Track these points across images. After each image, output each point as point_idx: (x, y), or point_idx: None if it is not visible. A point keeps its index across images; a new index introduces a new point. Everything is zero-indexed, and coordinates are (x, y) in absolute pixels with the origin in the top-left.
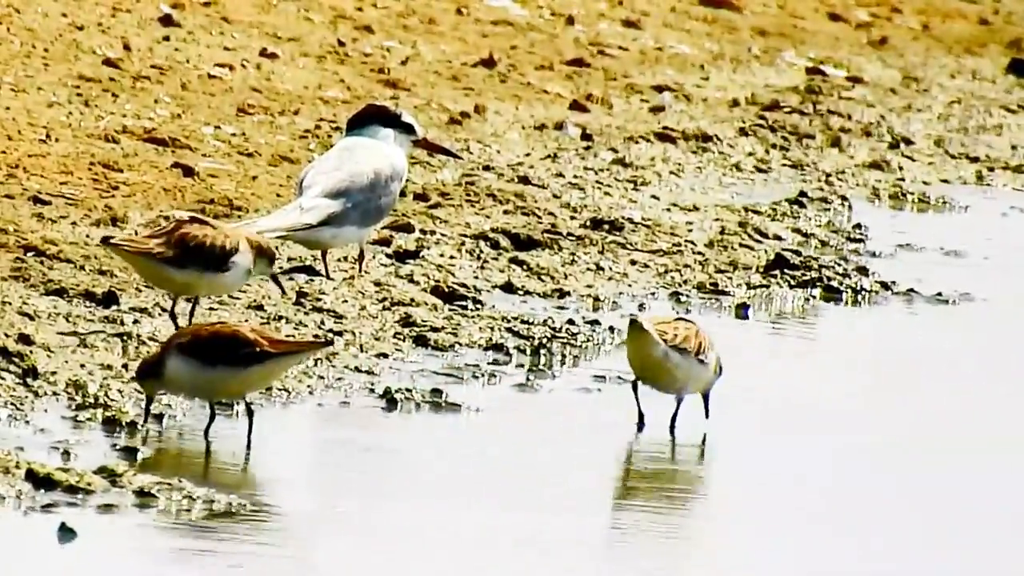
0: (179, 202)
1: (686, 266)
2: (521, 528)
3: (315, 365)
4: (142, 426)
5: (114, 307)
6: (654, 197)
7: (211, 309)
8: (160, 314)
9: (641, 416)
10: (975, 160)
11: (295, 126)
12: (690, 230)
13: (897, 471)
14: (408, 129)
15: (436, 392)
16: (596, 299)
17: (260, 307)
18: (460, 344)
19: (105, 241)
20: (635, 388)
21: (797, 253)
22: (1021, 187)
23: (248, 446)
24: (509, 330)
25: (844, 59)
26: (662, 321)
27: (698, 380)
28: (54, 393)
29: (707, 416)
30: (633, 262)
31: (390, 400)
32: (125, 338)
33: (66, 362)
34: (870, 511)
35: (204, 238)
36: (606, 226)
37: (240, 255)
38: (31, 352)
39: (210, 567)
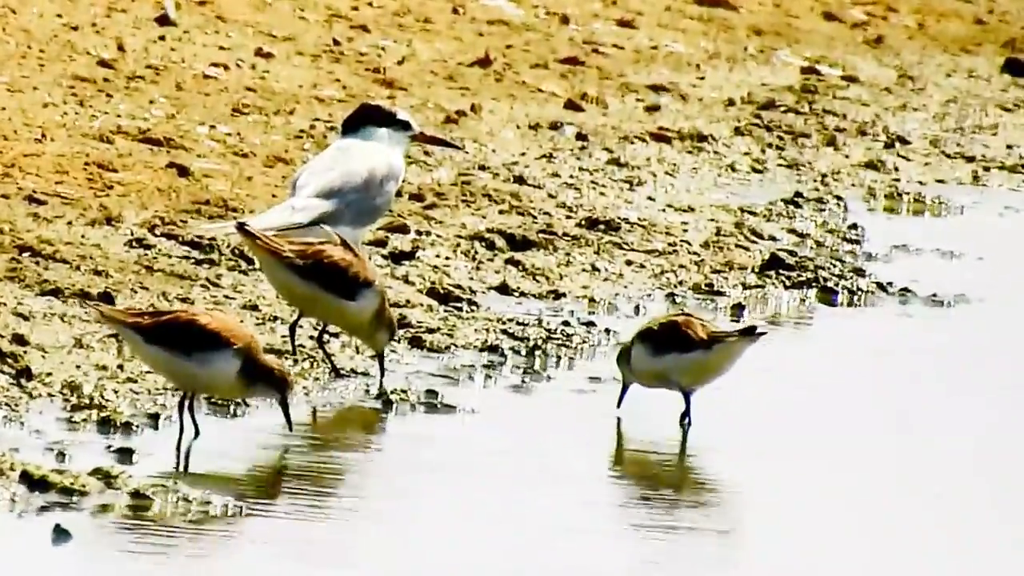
0: (174, 202)
1: (682, 267)
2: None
3: (311, 367)
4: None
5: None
6: (650, 197)
7: (206, 309)
8: None
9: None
10: (971, 160)
11: (290, 126)
12: (685, 230)
13: (891, 472)
14: (405, 126)
15: (431, 393)
16: (592, 300)
17: (255, 307)
18: (455, 346)
19: (240, 227)
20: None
21: (793, 253)
22: (1017, 187)
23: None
24: (504, 331)
25: (840, 58)
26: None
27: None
28: (49, 394)
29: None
30: (629, 263)
31: (386, 402)
32: (121, 339)
33: (61, 363)
34: (862, 510)
35: (340, 260)
36: (602, 226)
37: (371, 292)
38: (26, 353)
39: (205, 569)
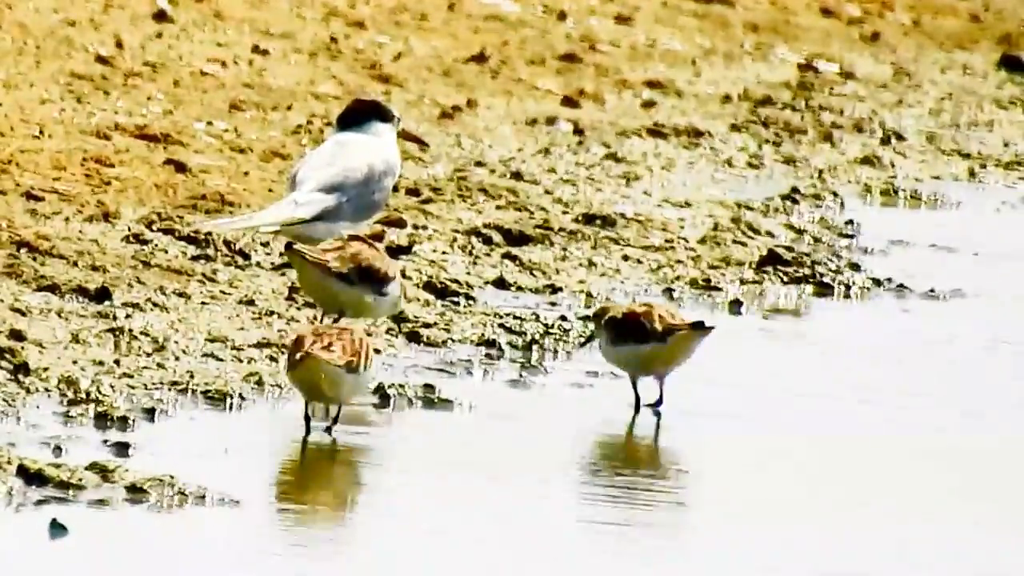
0: (171, 198)
1: (678, 262)
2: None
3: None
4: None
5: (107, 303)
6: (646, 193)
7: (203, 304)
8: (152, 309)
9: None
10: (967, 156)
11: (287, 122)
12: (682, 226)
13: (887, 466)
14: (395, 121)
15: (429, 388)
16: (588, 295)
17: (251, 302)
18: (452, 340)
19: (288, 248)
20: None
21: (789, 249)
22: (1013, 183)
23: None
24: (502, 326)
25: (836, 54)
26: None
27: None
28: (46, 389)
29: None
30: (625, 258)
31: (383, 396)
32: (117, 334)
33: (58, 358)
34: (856, 506)
35: (373, 259)
36: (598, 222)
37: (396, 282)
38: (23, 348)
39: (202, 563)
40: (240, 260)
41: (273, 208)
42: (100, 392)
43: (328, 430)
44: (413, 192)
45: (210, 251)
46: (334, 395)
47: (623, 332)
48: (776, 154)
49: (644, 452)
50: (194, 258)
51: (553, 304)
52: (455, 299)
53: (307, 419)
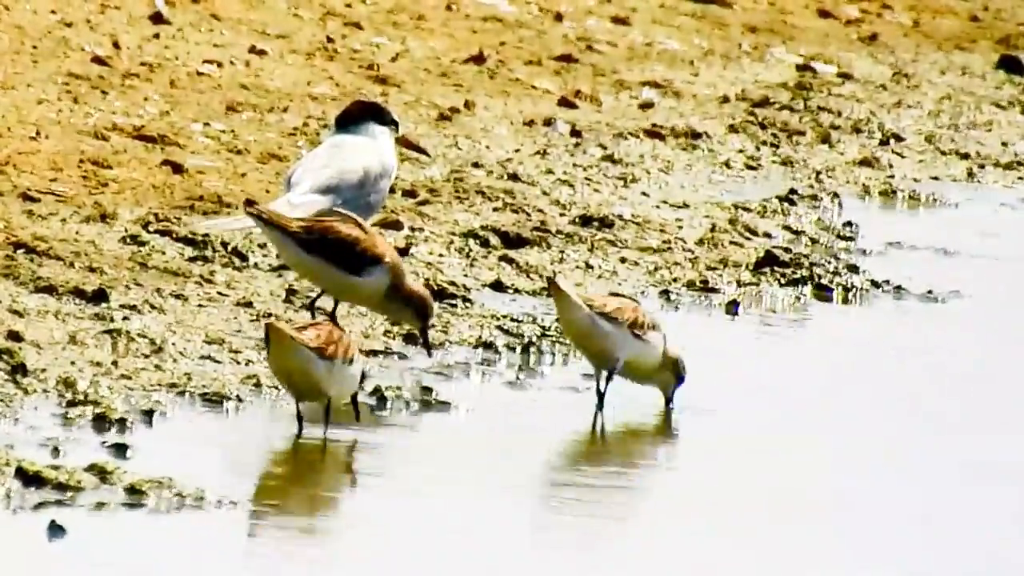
0: (168, 199)
1: (676, 263)
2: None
3: None
4: None
5: (104, 304)
6: (644, 194)
7: (200, 305)
8: (149, 310)
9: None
10: (965, 157)
11: (284, 123)
12: (680, 227)
13: (884, 469)
14: (395, 125)
15: (426, 390)
16: None
17: (249, 304)
18: (450, 342)
19: (248, 204)
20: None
21: (787, 250)
22: (1011, 184)
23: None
24: (499, 328)
25: (834, 55)
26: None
27: (636, 354)
28: (44, 390)
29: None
30: (623, 260)
31: (380, 398)
32: (115, 335)
33: (56, 359)
34: (853, 508)
35: (346, 235)
36: (595, 223)
37: (380, 268)
38: (20, 349)
39: (200, 564)
40: (237, 261)
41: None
42: (98, 394)
43: (323, 433)
44: (410, 194)
45: (207, 252)
46: (310, 385)
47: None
48: (774, 155)
49: (641, 452)
50: (191, 259)
51: (550, 307)
52: (452, 301)
53: (299, 418)
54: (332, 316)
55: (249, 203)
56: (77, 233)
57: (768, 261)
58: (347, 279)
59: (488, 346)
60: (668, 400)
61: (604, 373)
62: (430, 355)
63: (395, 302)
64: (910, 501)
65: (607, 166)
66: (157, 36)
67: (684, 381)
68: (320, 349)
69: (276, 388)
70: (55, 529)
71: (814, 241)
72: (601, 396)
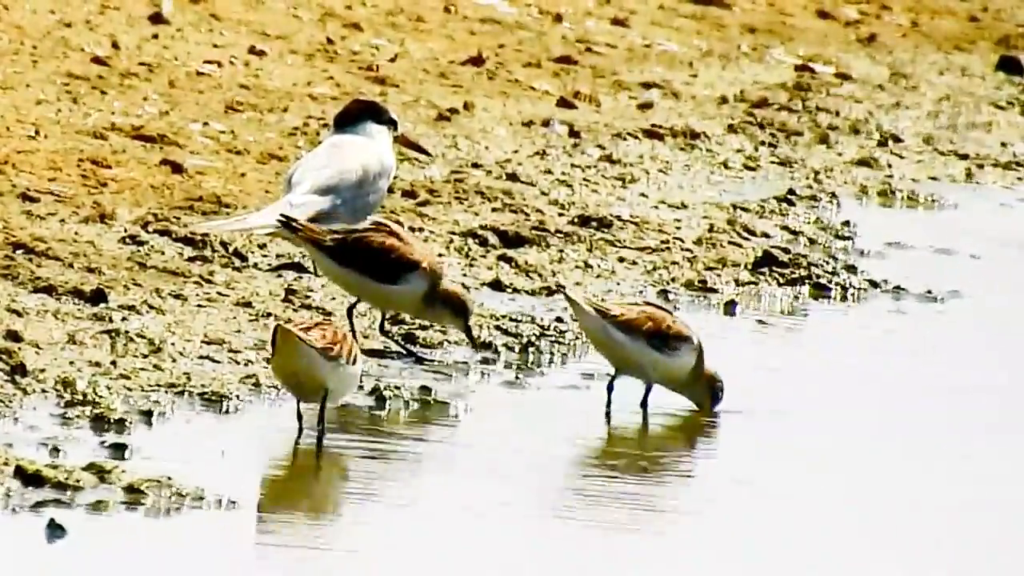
0: (167, 199)
1: (674, 263)
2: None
3: None
4: None
5: (103, 304)
6: (642, 194)
7: (199, 306)
8: (148, 311)
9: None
10: (964, 157)
11: (284, 123)
12: (678, 227)
13: (883, 470)
14: (393, 124)
15: (425, 390)
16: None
17: (248, 304)
18: (448, 342)
19: (282, 220)
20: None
21: (786, 251)
22: (1010, 184)
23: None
24: (498, 328)
25: (833, 56)
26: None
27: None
28: (43, 390)
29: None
30: (621, 259)
31: (379, 398)
32: (114, 335)
33: (55, 359)
34: (853, 508)
35: (379, 244)
36: (594, 223)
37: (416, 275)
38: (19, 349)
39: (199, 564)
40: (237, 262)
41: (267, 210)
42: (97, 393)
43: (319, 433)
44: (409, 194)
45: (207, 252)
46: (314, 384)
47: None
48: (772, 156)
49: (639, 453)
50: (191, 259)
51: (549, 307)
52: None
53: (299, 418)
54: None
55: (283, 216)
56: (76, 233)
57: (766, 261)
58: (382, 288)
59: (487, 346)
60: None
61: (644, 385)
62: (476, 351)
63: (434, 306)
64: (910, 501)
65: (606, 166)
66: (156, 36)
67: (720, 400)
68: (326, 349)
69: (275, 388)
70: (54, 528)
71: (812, 241)
72: (643, 406)
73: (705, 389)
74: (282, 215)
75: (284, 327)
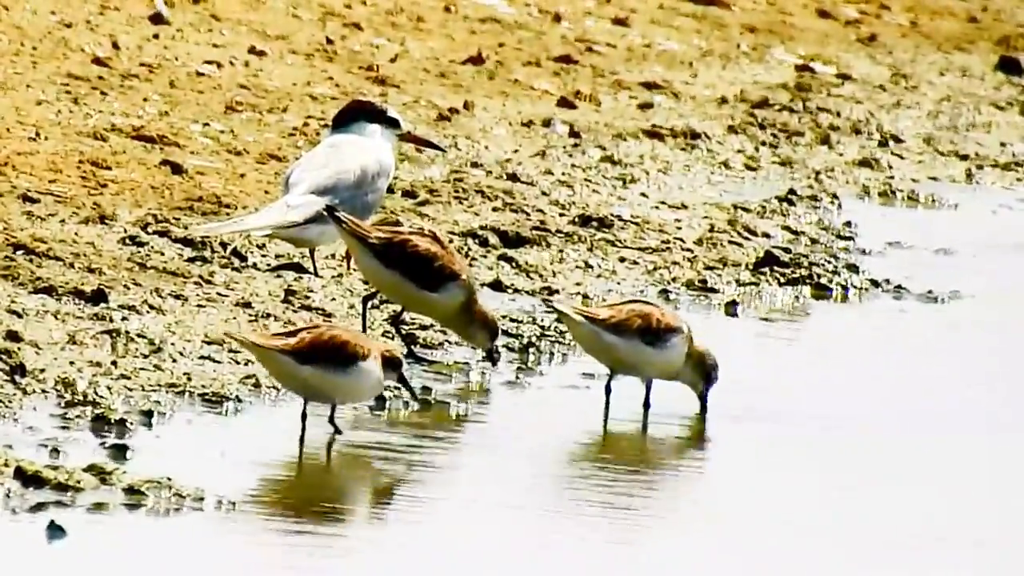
0: (167, 199)
1: (675, 263)
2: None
3: None
4: None
5: (103, 304)
6: (643, 194)
7: (199, 306)
8: (148, 311)
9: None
10: (964, 158)
11: (283, 123)
12: (679, 227)
13: (883, 470)
14: (393, 124)
15: (425, 390)
16: (585, 297)
17: (248, 304)
18: (449, 342)
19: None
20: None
21: (787, 251)
22: (1010, 185)
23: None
24: None
25: (833, 56)
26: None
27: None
28: (43, 391)
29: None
30: (622, 259)
31: (379, 398)
32: (114, 336)
33: (55, 359)
34: (851, 509)
35: (424, 251)
36: (595, 223)
37: (455, 285)
38: (19, 349)
39: (199, 564)
40: (236, 262)
41: (265, 211)
42: (97, 394)
43: (334, 430)
44: (409, 194)
45: (206, 253)
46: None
47: None
48: (773, 156)
49: (638, 453)
50: (190, 260)
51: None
52: None
53: (303, 418)
54: (395, 321)
55: (330, 209)
56: (76, 234)
57: (767, 261)
58: (422, 295)
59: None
60: (702, 402)
61: (643, 383)
62: (494, 367)
63: (468, 321)
64: (909, 501)
65: (606, 166)
66: (157, 37)
67: (715, 381)
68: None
69: (276, 388)
70: (54, 529)
71: (813, 241)
72: (646, 407)
73: (698, 374)
74: (327, 207)
75: (246, 340)
